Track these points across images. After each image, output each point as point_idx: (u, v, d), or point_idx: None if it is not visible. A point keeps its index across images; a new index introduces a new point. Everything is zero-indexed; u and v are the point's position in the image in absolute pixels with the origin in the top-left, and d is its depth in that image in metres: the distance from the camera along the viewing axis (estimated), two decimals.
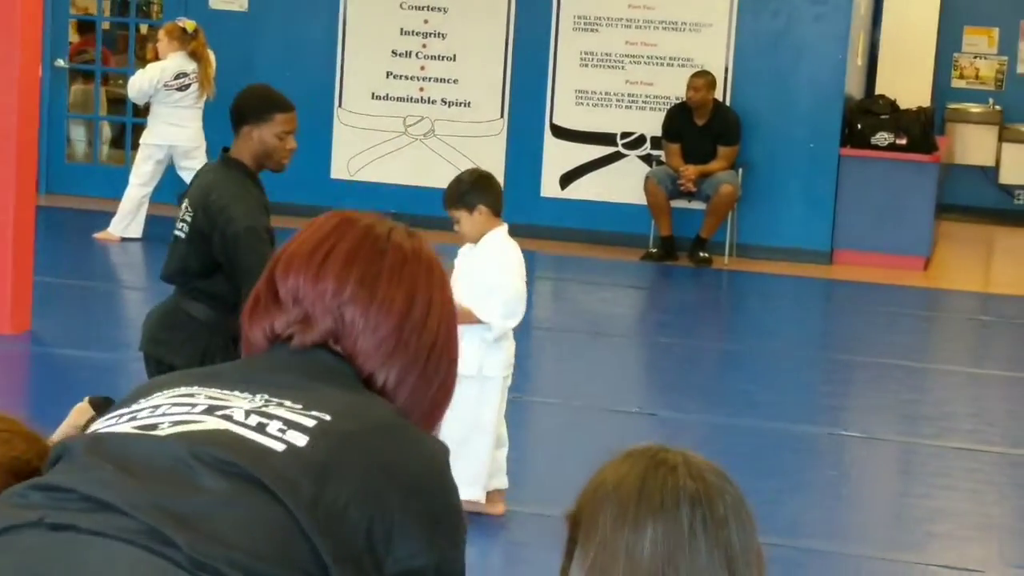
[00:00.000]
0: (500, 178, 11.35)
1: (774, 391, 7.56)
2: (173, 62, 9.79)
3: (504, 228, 5.32)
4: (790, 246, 11.17)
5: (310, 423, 1.76)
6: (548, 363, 8.57)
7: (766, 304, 10.20)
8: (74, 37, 13.39)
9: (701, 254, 10.97)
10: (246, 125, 5.14)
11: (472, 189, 5.28)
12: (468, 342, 5.26)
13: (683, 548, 1.59)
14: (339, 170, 11.75)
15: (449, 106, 11.60)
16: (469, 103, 11.57)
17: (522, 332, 9.02)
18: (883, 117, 11.25)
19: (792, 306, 10.25)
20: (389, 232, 1.96)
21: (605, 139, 11.42)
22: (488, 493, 5.35)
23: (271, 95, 5.35)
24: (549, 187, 11.54)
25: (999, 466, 6.47)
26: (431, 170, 11.30)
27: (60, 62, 12.04)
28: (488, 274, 5.23)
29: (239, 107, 5.23)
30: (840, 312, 10.22)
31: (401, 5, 11.58)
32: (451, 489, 1.83)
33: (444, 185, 12.01)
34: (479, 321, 5.19)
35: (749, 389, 7.70)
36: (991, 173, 14.38)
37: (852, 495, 6.00)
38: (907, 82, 12.64)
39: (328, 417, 1.78)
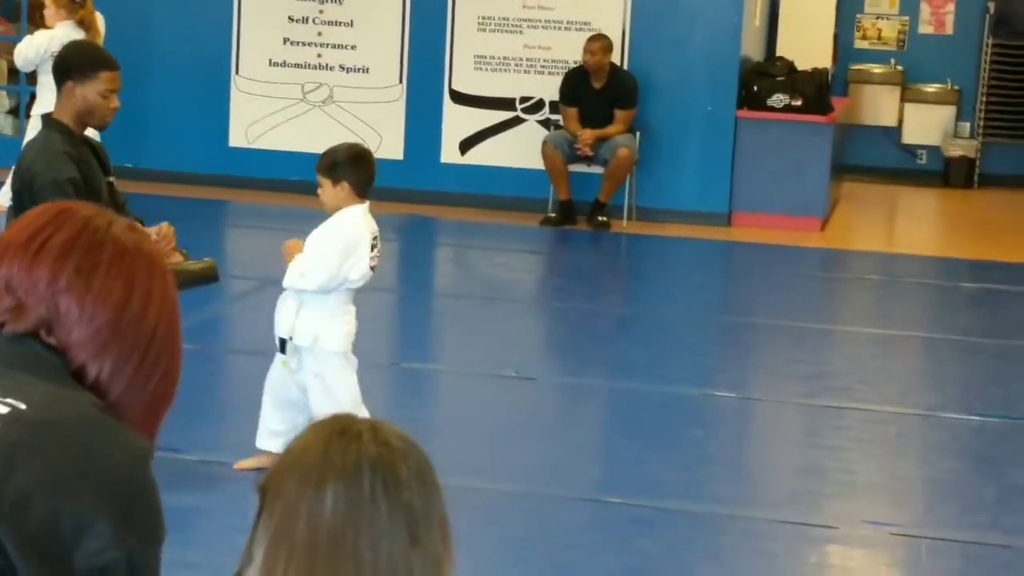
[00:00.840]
0: (400, 144, 11.47)
1: (657, 354, 7.61)
2: (61, 31, 9.66)
3: (362, 207, 5.30)
4: (689, 209, 11.22)
5: (3, 410, 1.77)
6: (439, 329, 8.60)
7: (663, 267, 10.25)
8: None
9: (600, 218, 11.00)
10: (70, 81, 5.17)
11: (344, 163, 5.25)
12: (307, 315, 5.28)
13: (364, 510, 1.61)
14: (237, 138, 11.69)
15: (347, 72, 11.56)
16: (367, 69, 11.53)
17: (418, 298, 9.08)
18: (779, 79, 11.31)
19: (689, 269, 10.30)
20: (109, 225, 1.95)
21: (504, 104, 11.41)
22: None
23: (98, 52, 5.37)
24: (449, 153, 11.53)
25: (868, 424, 6.54)
26: (330, 137, 11.09)
27: None
28: (316, 243, 5.25)
29: (63, 63, 5.24)
30: (735, 274, 10.29)
31: None
32: (148, 486, 1.83)
33: None
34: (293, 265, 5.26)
35: (632, 352, 7.75)
36: (894, 133, 14.48)
37: (717, 455, 6.06)
38: (808, 44, 12.69)
39: (23, 406, 1.78)
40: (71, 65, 5.31)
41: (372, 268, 5.35)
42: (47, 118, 5.42)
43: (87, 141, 5.44)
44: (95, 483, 1.77)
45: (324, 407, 5.30)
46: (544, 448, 6.02)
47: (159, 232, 5.46)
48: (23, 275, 1.89)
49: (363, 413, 5.32)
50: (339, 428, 1.67)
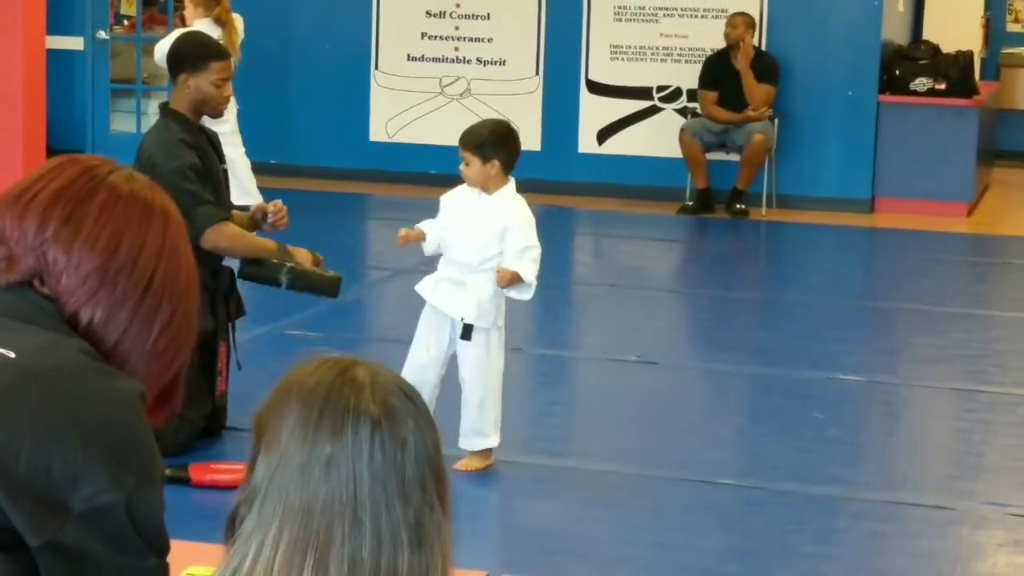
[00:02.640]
0: (537, 135, 11.49)
1: (787, 339, 7.51)
2: (198, 28, 9.87)
3: (512, 184, 5.31)
4: (830, 196, 11.07)
5: None
6: (571, 316, 8.57)
7: (802, 254, 10.12)
8: (128, 9, 13.57)
9: (738, 206, 10.89)
10: (183, 73, 5.30)
11: (494, 141, 5.21)
12: (487, 297, 5.28)
13: (363, 473, 1.58)
14: (377, 132, 11.80)
15: (484, 65, 11.61)
16: (504, 61, 11.57)
17: (555, 286, 9.06)
18: (922, 62, 11.09)
19: (828, 255, 10.15)
20: (108, 173, 1.96)
21: (641, 93, 11.37)
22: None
23: (208, 43, 5.51)
24: (586, 143, 11.52)
25: (997, 406, 6.37)
26: None
27: (102, 34, 12.22)
28: (515, 233, 5.22)
29: (176, 56, 5.37)
30: (875, 260, 10.12)
31: None
32: (139, 428, 1.84)
33: None
34: (521, 281, 5.23)
35: (761, 337, 7.67)
36: None
37: (837, 437, 5.94)
38: (956, 28, 12.43)
39: (12, 354, 1.81)
40: (183, 57, 5.45)
41: None
42: (164, 108, 5.57)
43: (203, 130, 5.57)
44: (84, 428, 1.78)
45: (479, 374, 5.29)
46: (658, 431, 5.98)
47: (275, 205, 5.55)
48: (14, 225, 1.91)
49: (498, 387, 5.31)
50: (342, 377, 1.63)
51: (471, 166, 5.22)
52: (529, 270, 5.23)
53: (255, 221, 5.54)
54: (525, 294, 5.31)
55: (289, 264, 5.36)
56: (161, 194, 2.02)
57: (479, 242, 5.27)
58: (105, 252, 1.90)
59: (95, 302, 1.89)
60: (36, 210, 1.91)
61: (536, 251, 5.27)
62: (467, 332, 5.26)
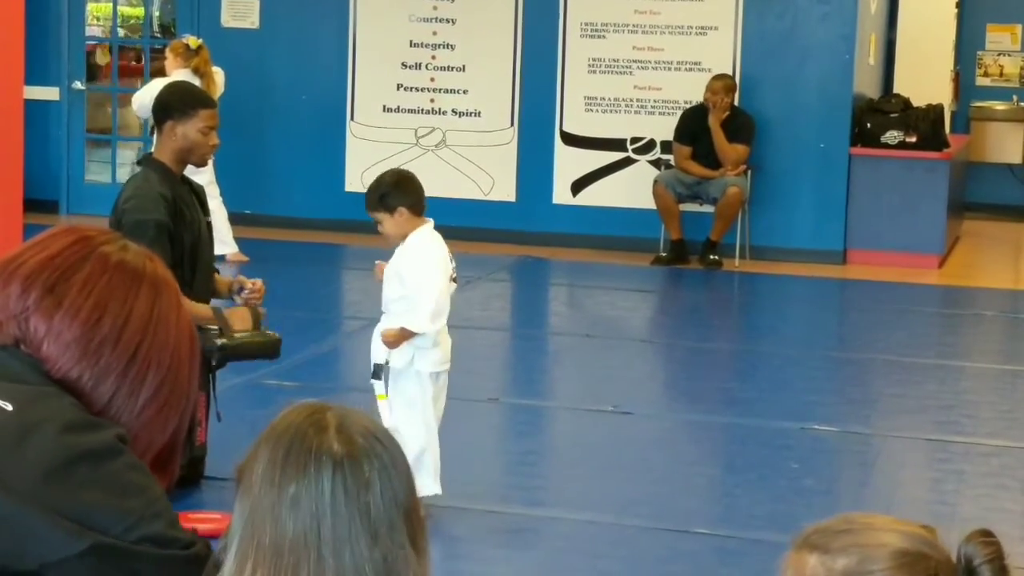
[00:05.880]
0: (512, 186, 11.57)
1: (761, 389, 7.56)
2: (177, 78, 9.91)
3: (428, 225, 5.33)
4: (803, 247, 11.15)
5: None
6: (546, 366, 8.62)
7: (775, 305, 10.19)
8: (102, 60, 13.63)
9: (712, 257, 10.97)
10: (170, 121, 5.32)
11: (392, 191, 5.28)
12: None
13: (325, 511, 1.62)
14: (353, 183, 11.84)
15: (460, 116, 11.69)
16: (479, 113, 11.65)
17: (529, 336, 9.12)
18: (893, 116, 11.21)
19: (801, 306, 10.22)
20: (101, 244, 1.96)
21: (615, 145, 11.46)
22: None
23: (196, 92, 5.54)
24: (561, 194, 11.59)
25: (969, 456, 6.43)
26: (444, 180, 11.37)
27: (77, 84, 12.26)
28: (409, 278, 5.25)
29: (162, 103, 5.39)
30: (847, 311, 10.20)
31: (410, 18, 11.69)
32: (124, 464, 1.87)
33: (457, 195, 12.17)
34: (414, 334, 5.23)
35: (735, 388, 7.71)
36: (1018, 171, 14.27)
37: (812, 487, 5.98)
38: (926, 81, 12.58)
39: (9, 407, 1.83)
40: (170, 105, 5.47)
41: (454, 280, 5.38)
42: (147, 158, 5.58)
43: (186, 180, 5.58)
44: (77, 477, 1.82)
45: (403, 421, 5.28)
46: (634, 480, 6.01)
47: (254, 284, 5.55)
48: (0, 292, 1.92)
49: (434, 435, 5.31)
50: (309, 420, 1.68)
51: (384, 223, 5.28)
52: (418, 320, 5.19)
53: (230, 291, 5.54)
54: (420, 341, 5.24)
55: (221, 341, 5.31)
56: (155, 264, 1.99)
57: (386, 286, 5.33)
58: (87, 323, 1.90)
59: (79, 369, 1.90)
60: (20, 278, 1.92)
61: (428, 295, 5.19)
62: (376, 372, 5.29)
